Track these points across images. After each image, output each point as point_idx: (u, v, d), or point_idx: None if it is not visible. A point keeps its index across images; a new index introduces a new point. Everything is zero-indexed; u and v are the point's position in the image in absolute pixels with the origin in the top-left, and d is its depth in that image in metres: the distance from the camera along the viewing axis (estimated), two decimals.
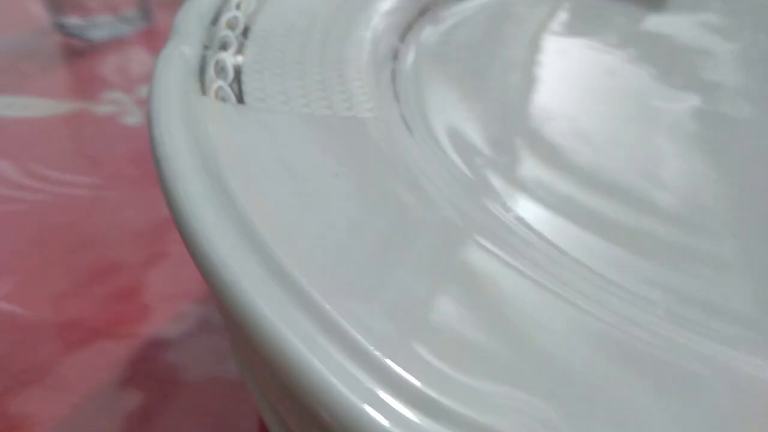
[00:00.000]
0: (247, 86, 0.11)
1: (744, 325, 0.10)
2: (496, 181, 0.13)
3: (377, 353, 0.08)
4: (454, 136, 0.14)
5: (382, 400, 0.08)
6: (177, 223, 0.09)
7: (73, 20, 0.35)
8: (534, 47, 0.18)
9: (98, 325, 0.20)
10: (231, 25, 0.12)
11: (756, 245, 0.12)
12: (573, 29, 0.19)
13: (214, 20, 0.12)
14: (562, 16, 0.20)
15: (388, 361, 0.08)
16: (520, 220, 0.12)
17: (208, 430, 0.17)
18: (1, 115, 0.30)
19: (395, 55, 0.15)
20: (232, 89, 0.11)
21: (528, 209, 0.12)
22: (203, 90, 0.11)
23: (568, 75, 0.17)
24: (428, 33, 0.16)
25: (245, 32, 0.12)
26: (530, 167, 0.13)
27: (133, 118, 0.30)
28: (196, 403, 0.17)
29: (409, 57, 0.15)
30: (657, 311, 0.10)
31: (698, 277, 0.11)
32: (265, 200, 0.10)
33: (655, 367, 0.09)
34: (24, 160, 0.28)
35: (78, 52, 0.35)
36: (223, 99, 0.11)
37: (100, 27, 0.36)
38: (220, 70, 0.11)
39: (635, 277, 0.11)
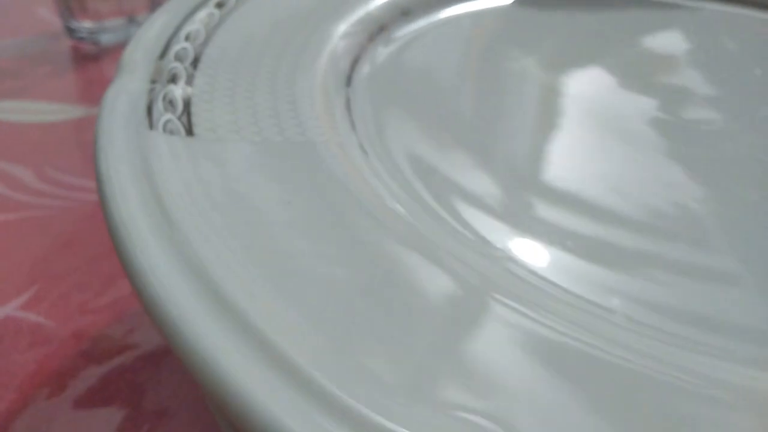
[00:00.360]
0: (197, 117, 0.12)
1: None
2: (467, 209, 0.12)
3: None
4: (411, 160, 0.14)
5: None
6: (124, 265, 0.09)
7: (85, 24, 0.36)
8: (487, 66, 0.17)
9: (117, 335, 0.20)
10: (180, 58, 0.13)
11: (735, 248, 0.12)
12: (521, 43, 0.19)
13: (163, 53, 0.13)
14: (509, 29, 0.20)
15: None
16: (477, 235, 0.12)
17: None
18: (15, 120, 0.31)
19: (349, 81, 0.15)
20: (181, 122, 0.12)
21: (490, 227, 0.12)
22: (151, 124, 0.11)
23: (523, 92, 0.17)
24: (381, 56, 0.16)
25: (195, 63, 0.13)
26: (498, 193, 0.13)
27: None
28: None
29: (363, 82, 0.15)
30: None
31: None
32: (216, 236, 0.10)
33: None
34: (40, 165, 0.28)
35: (89, 57, 0.36)
36: (172, 132, 0.11)
37: (112, 31, 0.37)
38: (169, 103, 0.12)
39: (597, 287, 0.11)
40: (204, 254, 0.09)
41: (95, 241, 0.24)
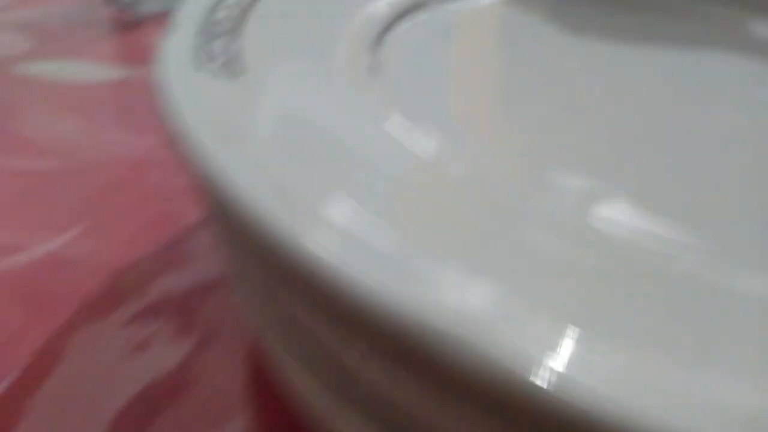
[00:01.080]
0: (246, 65, 0.13)
1: None
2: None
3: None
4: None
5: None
6: (197, 168, 0.10)
7: None
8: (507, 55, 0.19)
9: (160, 272, 0.22)
10: (228, 16, 0.14)
11: None
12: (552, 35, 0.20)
13: (212, 11, 0.14)
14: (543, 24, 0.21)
15: None
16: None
17: None
18: (59, 79, 0.33)
19: (377, 44, 0.16)
20: (230, 68, 0.14)
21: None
22: (200, 67, 0.13)
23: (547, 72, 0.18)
24: (414, 26, 0.18)
25: (242, 21, 0.15)
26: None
27: None
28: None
29: (391, 50, 0.16)
30: None
31: None
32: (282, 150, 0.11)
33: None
34: (84, 120, 0.30)
35: (130, 24, 0.38)
36: (229, 73, 0.13)
37: (151, 0, 0.39)
38: (217, 52, 0.14)
39: None
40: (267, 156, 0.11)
41: (141, 188, 0.25)
